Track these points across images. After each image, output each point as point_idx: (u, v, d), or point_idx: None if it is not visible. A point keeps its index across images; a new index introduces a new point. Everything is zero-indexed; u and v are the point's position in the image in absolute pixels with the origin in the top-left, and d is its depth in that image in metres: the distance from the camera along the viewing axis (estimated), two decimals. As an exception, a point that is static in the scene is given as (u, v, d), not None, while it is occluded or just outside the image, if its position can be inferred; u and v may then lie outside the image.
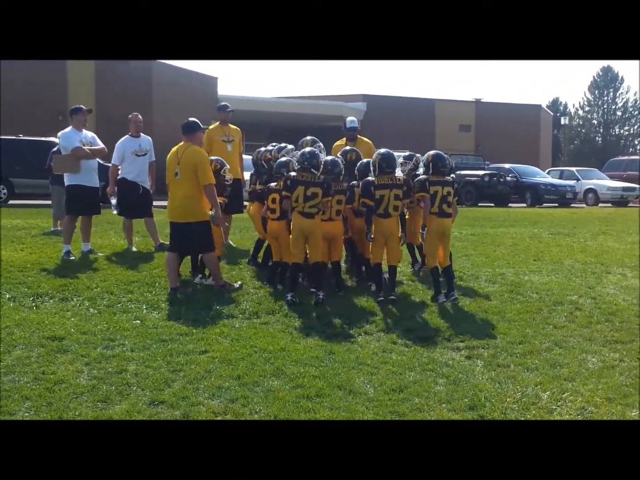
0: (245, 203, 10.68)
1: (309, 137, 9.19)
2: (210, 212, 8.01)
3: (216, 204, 7.99)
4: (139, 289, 8.05)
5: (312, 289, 8.02)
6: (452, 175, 9.19)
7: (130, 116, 10.77)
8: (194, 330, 6.64)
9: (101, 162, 13.43)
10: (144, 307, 7.44)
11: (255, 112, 33.57)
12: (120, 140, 10.58)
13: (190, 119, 8.26)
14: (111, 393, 5.15)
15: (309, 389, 5.30)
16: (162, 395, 5.12)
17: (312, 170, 7.77)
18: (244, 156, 11.64)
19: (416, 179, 8.12)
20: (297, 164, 8.04)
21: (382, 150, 8.14)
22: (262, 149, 9.50)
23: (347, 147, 9.33)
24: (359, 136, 10.28)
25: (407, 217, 8.59)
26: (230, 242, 10.87)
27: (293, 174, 7.91)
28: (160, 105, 29.86)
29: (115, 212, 10.63)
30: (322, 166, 7.87)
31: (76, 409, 4.84)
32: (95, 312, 7.23)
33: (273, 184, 8.39)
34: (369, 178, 8.00)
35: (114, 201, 10.49)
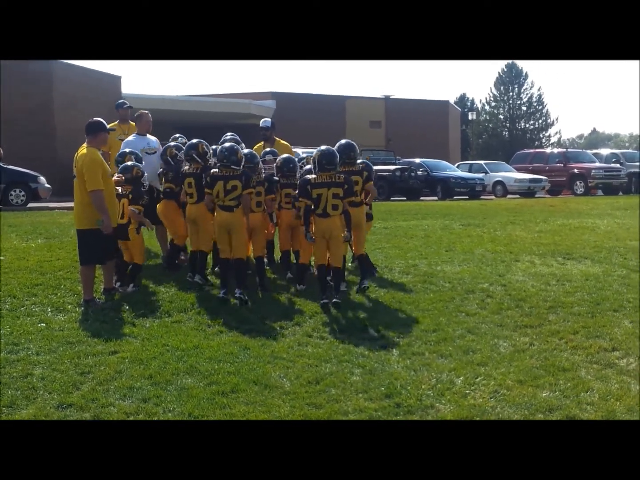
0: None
1: (229, 135, 9.21)
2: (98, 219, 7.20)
3: (104, 210, 7.16)
4: (44, 292, 7.72)
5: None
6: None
7: (138, 114, 9.73)
8: (103, 332, 6.43)
9: (0, 164, 12.89)
10: (49, 309, 7.15)
11: (161, 110, 32.82)
12: (126, 140, 9.46)
13: (95, 118, 7.72)
14: (17, 398, 4.97)
15: (224, 385, 5.21)
16: (71, 398, 4.95)
17: (232, 166, 7.63)
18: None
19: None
20: (217, 161, 7.84)
21: (323, 147, 7.84)
22: (171, 144, 9.26)
23: (267, 149, 9.27)
24: (276, 138, 10.11)
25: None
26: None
27: (214, 170, 7.76)
28: (62, 106, 28.86)
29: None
30: (242, 160, 7.71)
31: (-21, 416, 4.62)
32: (-2, 316, 6.92)
33: (186, 167, 8.26)
34: (308, 176, 7.77)
35: None
